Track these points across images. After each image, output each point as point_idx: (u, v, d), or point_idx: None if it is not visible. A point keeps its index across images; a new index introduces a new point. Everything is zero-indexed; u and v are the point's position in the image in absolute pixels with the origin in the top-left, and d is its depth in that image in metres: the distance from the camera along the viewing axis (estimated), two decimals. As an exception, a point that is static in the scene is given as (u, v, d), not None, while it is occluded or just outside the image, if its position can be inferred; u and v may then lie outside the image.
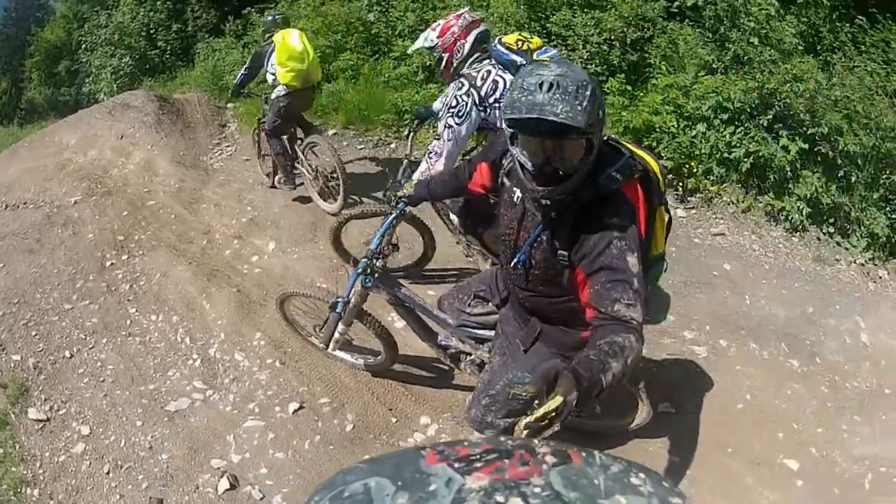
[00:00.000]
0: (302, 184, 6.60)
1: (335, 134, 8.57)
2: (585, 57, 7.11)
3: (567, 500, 0.65)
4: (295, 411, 4.22)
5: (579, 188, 2.04)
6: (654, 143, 6.24)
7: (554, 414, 1.61)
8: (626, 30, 7.17)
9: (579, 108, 1.82)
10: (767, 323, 4.70)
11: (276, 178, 6.97)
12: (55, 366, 4.99)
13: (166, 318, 5.36)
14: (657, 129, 6.28)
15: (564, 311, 2.41)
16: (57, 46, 30.11)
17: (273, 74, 5.99)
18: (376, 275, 3.19)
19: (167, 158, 9.09)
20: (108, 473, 3.98)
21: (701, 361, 4.26)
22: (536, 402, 1.70)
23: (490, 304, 3.18)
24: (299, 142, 6.44)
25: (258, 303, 5.38)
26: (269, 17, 6.48)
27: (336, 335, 3.61)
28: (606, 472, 0.71)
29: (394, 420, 4.05)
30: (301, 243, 6.21)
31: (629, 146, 2.26)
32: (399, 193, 3.27)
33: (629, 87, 6.87)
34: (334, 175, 6.01)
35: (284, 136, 6.43)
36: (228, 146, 9.72)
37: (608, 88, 6.77)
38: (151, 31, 16.04)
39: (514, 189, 2.36)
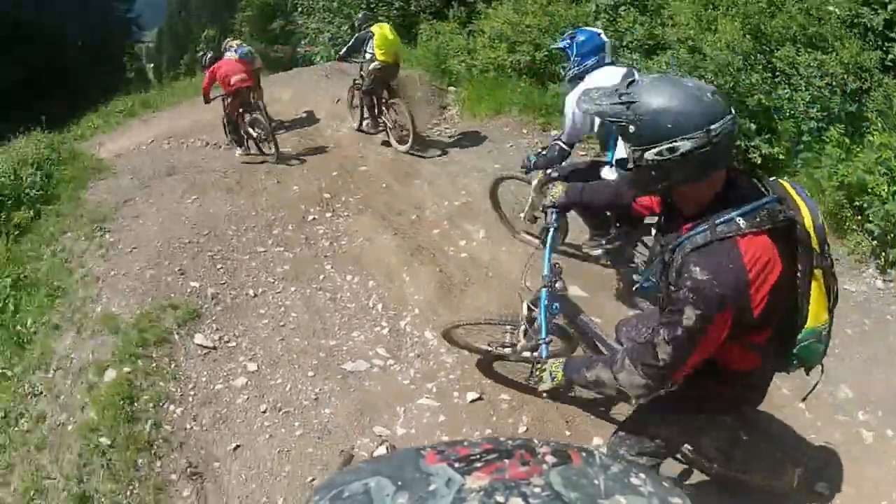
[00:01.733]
0: (382, 129, 11.64)
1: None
2: (808, 100, 8.43)
3: (567, 500, 0.89)
4: (473, 401, 5.45)
5: (699, 227, 2.65)
6: (864, 206, 7.16)
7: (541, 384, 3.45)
8: (846, 77, 8.43)
9: (608, 105, 2.63)
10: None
11: (365, 123, 12.08)
12: (235, 301, 7.07)
13: (362, 282, 7.23)
14: (869, 191, 7.15)
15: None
16: (269, 4, 39.02)
17: (371, 52, 10.91)
18: (558, 299, 4.18)
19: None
20: (263, 412, 5.67)
21: (864, 447, 5.02)
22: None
23: None
24: (385, 101, 11.34)
25: (459, 287, 7.00)
26: (362, 14, 12.43)
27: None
28: (606, 473, 0.98)
29: (567, 433, 5.09)
30: (511, 237, 7.82)
31: (786, 187, 2.83)
32: (546, 203, 4.14)
33: (847, 139, 7.86)
34: (406, 128, 10.87)
35: (374, 96, 11.40)
36: (447, 128, 12.56)
37: (827, 137, 7.94)
38: (372, 5, 20.34)
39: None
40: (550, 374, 3.47)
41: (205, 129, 13.85)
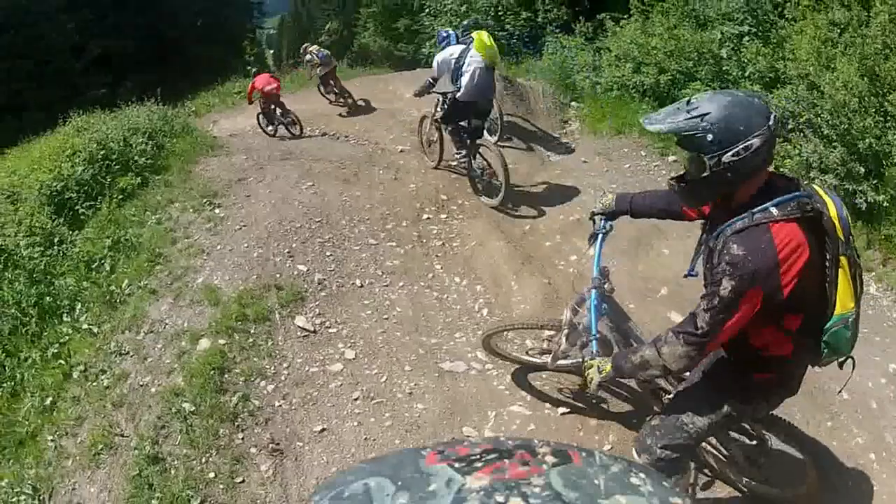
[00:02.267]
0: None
1: (675, 161, 11.12)
2: None
3: (567, 500, 0.93)
4: (563, 413, 5.74)
5: (737, 216, 3.17)
6: None
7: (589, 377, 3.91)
8: None
9: (669, 120, 3.05)
10: None
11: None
12: (341, 289, 7.36)
13: (470, 285, 7.49)
14: None
15: (737, 345, 3.51)
16: (396, 3, 39.85)
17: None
18: (608, 301, 4.65)
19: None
20: (355, 399, 5.93)
21: None
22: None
23: None
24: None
25: (564, 300, 6.91)
26: (469, 21, 14.89)
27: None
28: (606, 472, 1.02)
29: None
30: (621, 257, 7.96)
31: (816, 188, 3.31)
32: (597, 210, 4.68)
33: None
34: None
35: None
36: (568, 143, 12.93)
37: None
38: (500, 13, 21.28)
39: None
40: (598, 369, 3.91)
41: (322, 118, 14.51)
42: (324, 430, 5.64)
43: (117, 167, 10.43)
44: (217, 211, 9.07)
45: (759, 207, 3.14)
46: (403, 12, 37.71)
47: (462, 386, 6.13)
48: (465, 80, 9.53)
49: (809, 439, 4.68)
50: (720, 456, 4.90)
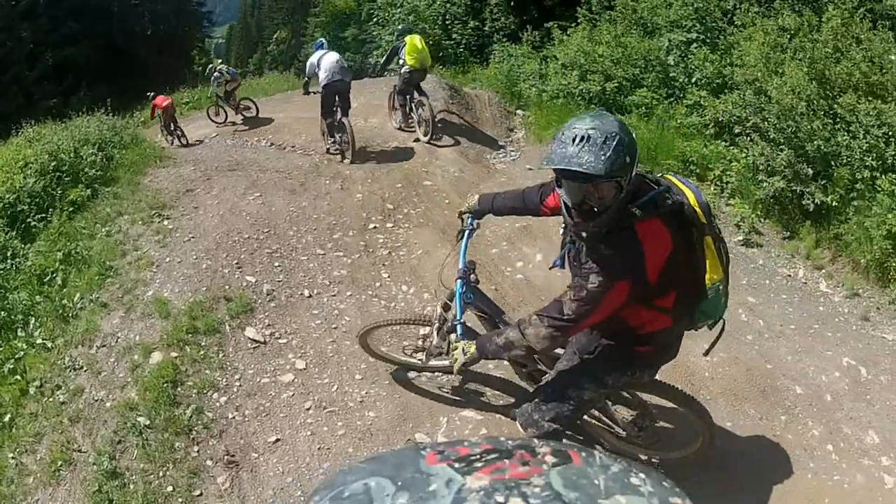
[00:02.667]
0: (412, 123, 13.80)
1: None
2: (864, 148, 8.81)
3: (567, 500, 0.93)
4: (515, 418, 5.75)
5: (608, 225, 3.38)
6: None
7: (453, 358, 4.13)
8: None
9: (603, 157, 3.09)
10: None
11: (399, 122, 14.26)
12: (290, 299, 7.36)
13: (417, 293, 7.52)
14: None
15: (614, 327, 3.80)
16: (345, 13, 40.62)
17: (402, 59, 13.17)
18: (473, 290, 4.85)
19: (450, 146, 12.64)
20: (307, 409, 5.95)
21: (885, 492, 5.33)
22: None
23: None
24: (415, 101, 13.48)
25: (512, 306, 7.17)
26: (402, 26, 15.27)
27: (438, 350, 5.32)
28: (606, 472, 1.02)
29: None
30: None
31: (672, 179, 3.72)
32: (463, 210, 5.01)
33: None
34: (429, 122, 13.00)
35: (407, 96, 13.65)
36: (513, 150, 13.16)
37: (879, 186, 8.37)
38: (447, 22, 21.61)
39: None
40: (463, 351, 4.13)
41: (270, 129, 14.46)
42: (278, 440, 5.65)
43: (68, 179, 10.40)
44: (166, 223, 9.06)
45: (624, 213, 3.40)
46: (351, 22, 38.14)
47: (413, 393, 6.16)
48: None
49: (699, 405, 4.81)
50: (604, 425, 5.13)
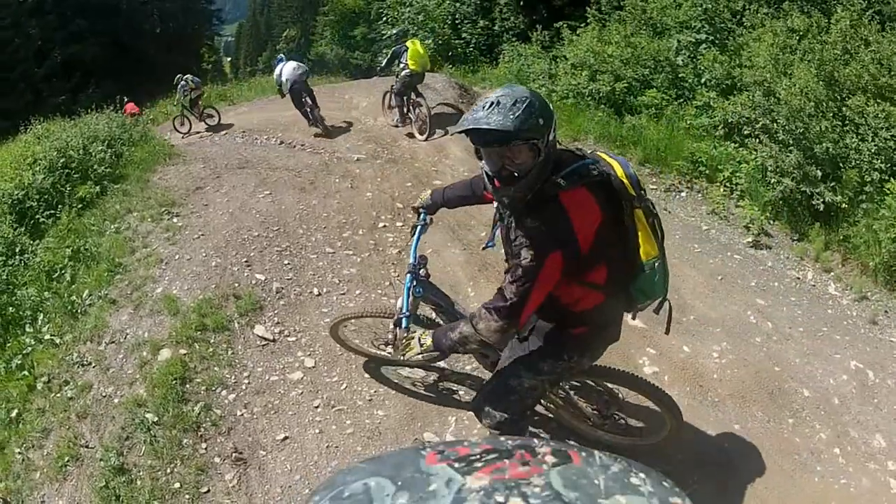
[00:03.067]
0: (409, 124, 14.15)
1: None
2: (873, 150, 8.95)
3: (567, 500, 0.92)
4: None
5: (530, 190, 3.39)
6: None
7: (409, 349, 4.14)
8: None
9: (511, 116, 3.08)
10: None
11: (395, 120, 14.62)
12: (299, 297, 7.36)
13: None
14: None
15: (547, 307, 3.71)
16: (354, 12, 40.89)
17: (404, 63, 13.80)
18: (422, 283, 4.90)
19: (461, 146, 12.61)
20: (316, 407, 5.96)
21: (891, 496, 5.42)
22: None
23: None
24: (412, 101, 14.10)
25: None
26: (398, 30, 16.52)
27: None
28: (606, 472, 1.02)
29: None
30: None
31: (601, 154, 3.68)
32: (416, 205, 5.10)
33: None
34: (426, 122, 13.57)
35: (404, 97, 14.13)
36: None
37: (888, 189, 8.45)
38: (457, 22, 21.81)
39: None
40: (419, 341, 4.18)
41: (279, 126, 14.53)
42: (286, 438, 5.66)
43: (76, 175, 10.41)
44: (175, 220, 9.06)
45: (548, 182, 3.40)
46: (361, 21, 38.43)
47: (422, 392, 6.17)
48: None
49: (663, 393, 4.83)
50: (570, 412, 5.27)
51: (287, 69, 15.03)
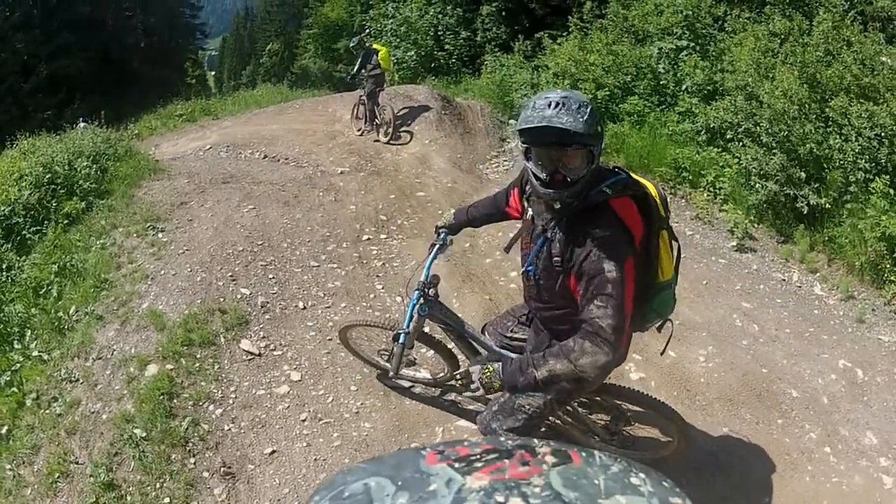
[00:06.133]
0: (374, 129, 14.71)
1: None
2: (857, 150, 9.01)
3: (567, 500, 0.93)
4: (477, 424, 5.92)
5: (578, 196, 3.35)
6: None
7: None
8: (895, 129, 8.99)
9: (581, 119, 3.08)
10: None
11: (362, 129, 15.06)
12: (284, 311, 7.36)
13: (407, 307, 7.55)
14: None
15: (572, 327, 3.52)
16: (337, 25, 41.29)
17: (374, 63, 14.87)
18: (430, 303, 4.88)
19: (444, 157, 12.83)
20: (303, 421, 5.96)
21: (884, 492, 5.46)
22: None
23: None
24: (378, 106, 14.87)
25: None
26: (358, 38, 16.75)
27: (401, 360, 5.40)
28: (607, 472, 1.02)
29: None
30: None
31: (631, 173, 3.63)
32: (439, 224, 5.00)
33: (892, 191, 8.56)
34: (390, 124, 14.30)
35: (373, 101, 14.90)
36: (506, 161, 13.34)
37: (872, 188, 8.56)
38: (439, 33, 22.05)
39: (529, 208, 3.81)
40: (481, 381, 3.88)
41: (263, 140, 14.45)
42: (274, 451, 5.66)
43: (62, 191, 10.36)
44: (160, 235, 9.03)
45: (595, 190, 3.39)
46: (344, 34, 38.79)
47: (408, 403, 6.20)
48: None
49: (668, 408, 4.83)
50: (579, 429, 5.20)
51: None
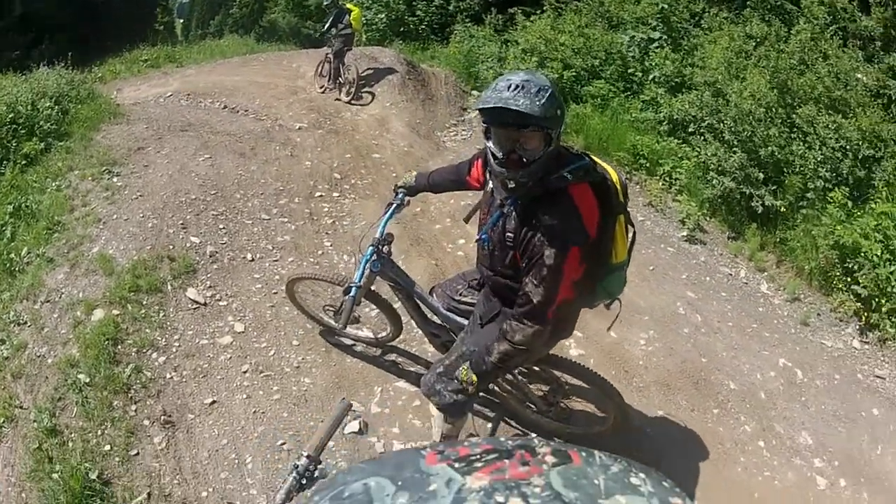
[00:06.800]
0: (337, 87, 14.76)
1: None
2: (819, 159, 9.24)
3: (567, 500, 0.93)
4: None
5: (535, 182, 3.45)
6: (854, 268, 8.05)
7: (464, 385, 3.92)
8: (860, 143, 9.26)
9: (538, 103, 3.14)
10: (891, 478, 5.97)
11: (323, 86, 15.10)
12: (232, 262, 7.42)
13: (358, 263, 7.56)
14: (862, 254, 8.01)
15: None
16: None
17: (345, 23, 14.97)
18: (383, 260, 4.98)
19: (403, 121, 12.90)
20: (244, 372, 6.02)
21: (817, 493, 5.64)
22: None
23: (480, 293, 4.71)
24: (343, 65, 14.87)
25: None
26: None
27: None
28: (606, 472, 1.03)
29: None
30: None
31: (594, 157, 3.74)
32: (399, 184, 5.09)
33: (849, 202, 8.82)
34: (354, 83, 14.34)
35: (340, 60, 14.86)
36: (465, 130, 13.34)
37: (830, 198, 8.78)
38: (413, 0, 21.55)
39: (489, 180, 3.88)
40: (458, 379, 4.19)
41: (225, 91, 14.32)
42: (214, 402, 5.71)
43: (23, 132, 10.28)
44: (115, 180, 9.00)
45: (554, 175, 3.48)
46: (315, -10, 37.96)
47: (348, 361, 6.28)
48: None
49: (609, 385, 4.92)
50: (517, 398, 5.31)
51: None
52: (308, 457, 2.72)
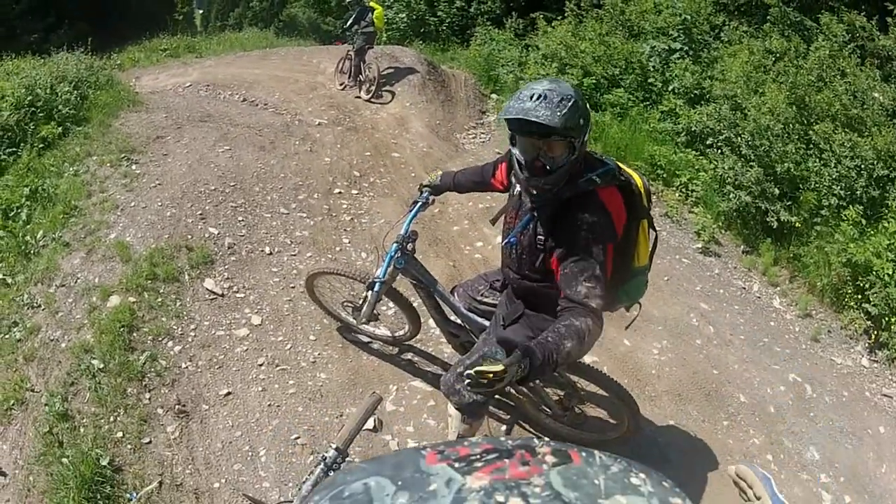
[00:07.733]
0: (357, 85, 14.67)
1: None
2: (834, 177, 9.23)
3: (567, 500, 0.93)
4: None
5: (563, 186, 3.49)
6: (866, 286, 8.03)
7: (492, 375, 2.98)
8: (875, 162, 9.18)
9: (559, 113, 3.18)
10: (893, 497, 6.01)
11: (343, 83, 14.98)
12: (251, 255, 7.41)
13: (375, 261, 7.45)
14: (874, 273, 7.99)
15: (547, 300, 3.72)
16: None
17: (368, 21, 14.79)
18: (407, 257, 4.92)
19: (422, 121, 12.84)
20: (260, 365, 6.02)
21: None
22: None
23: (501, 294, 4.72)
24: (365, 63, 14.77)
25: None
26: None
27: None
28: (607, 472, 1.03)
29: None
30: None
31: (619, 163, 3.76)
32: (424, 182, 5.06)
33: (863, 221, 8.79)
34: (374, 81, 14.15)
35: (362, 56, 14.72)
36: (483, 133, 13.28)
37: (845, 215, 8.76)
38: (434, 1, 21.74)
39: (516, 184, 3.90)
40: (506, 369, 3.50)
41: (244, 84, 14.34)
42: (229, 393, 5.71)
43: (41, 115, 10.31)
44: (134, 167, 9.01)
45: (584, 178, 3.54)
46: (337, -13, 38.08)
47: (365, 358, 6.26)
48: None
49: (625, 392, 4.87)
50: (532, 401, 5.31)
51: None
52: (337, 449, 2.73)
